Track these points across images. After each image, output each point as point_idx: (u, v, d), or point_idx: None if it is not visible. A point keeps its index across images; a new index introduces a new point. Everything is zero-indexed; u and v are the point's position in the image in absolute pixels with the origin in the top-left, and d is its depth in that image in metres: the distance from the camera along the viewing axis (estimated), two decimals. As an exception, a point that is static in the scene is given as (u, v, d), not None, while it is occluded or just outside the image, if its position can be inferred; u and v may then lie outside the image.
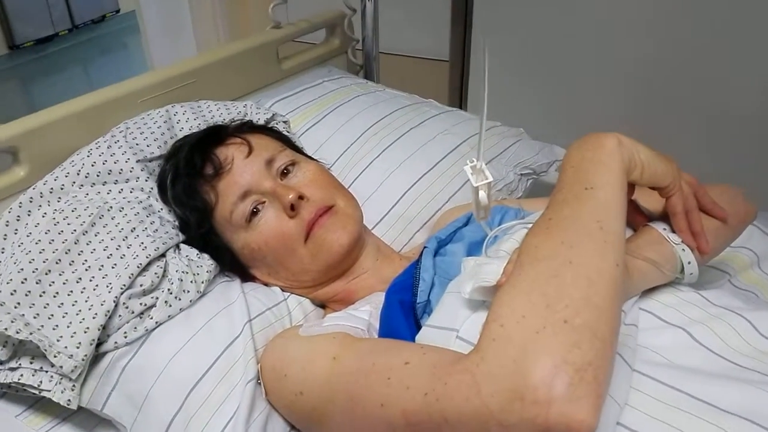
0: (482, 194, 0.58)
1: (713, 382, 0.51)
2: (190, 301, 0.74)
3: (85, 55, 3.90)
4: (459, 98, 1.65)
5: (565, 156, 0.59)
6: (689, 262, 0.62)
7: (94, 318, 0.68)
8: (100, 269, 0.73)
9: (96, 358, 0.70)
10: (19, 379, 0.68)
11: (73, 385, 0.68)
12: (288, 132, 1.01)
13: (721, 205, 0.66)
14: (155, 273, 0.75)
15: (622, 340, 0.52)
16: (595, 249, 0.49)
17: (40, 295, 0.70)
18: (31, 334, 0.67)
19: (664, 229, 0.63)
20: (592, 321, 0.45)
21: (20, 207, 0.81)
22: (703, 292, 0.62)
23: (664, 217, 0.64)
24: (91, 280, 0.72)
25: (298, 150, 0.92)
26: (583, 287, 0.46)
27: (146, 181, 0.86)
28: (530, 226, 0.55)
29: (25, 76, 3.63)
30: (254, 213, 0.77)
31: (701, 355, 0.55)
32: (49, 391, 0.68)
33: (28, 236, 0.77)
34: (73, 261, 0.74)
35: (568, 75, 1.54)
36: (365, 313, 0.70)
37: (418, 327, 0.63)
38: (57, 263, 0.73)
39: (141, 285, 0.73)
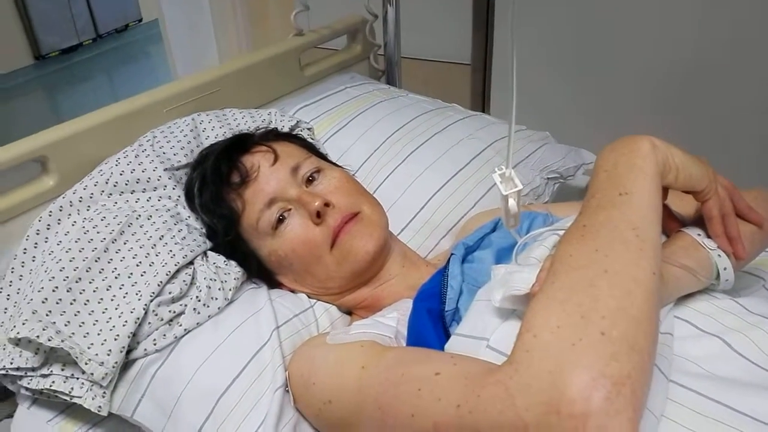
0: (512, 202, 0.57)
1: (752, 393, 0.50)
2: (218, 308, 0.74)
3: (109, 64, 3.96)
4: (482, 102, 1.64)
5: (597, 159, 0.57)
6: (725, 268, 0.60)
7: (124, 325, 0.69)
8: (129, 277, 0.74)
9: (126, 365, 0.70)
10: (50, 386, 0.69)
11: (104, 392, 0.68)
12: (312, 139, 1.02)
13: (756, 209, 0.64)
14: (183, 280, 0.75)
15: (658, 349, 0.51)
16: (631, 258, 0.48)
17: (71, 303, 0.71)
18: (62, 341, 0.67)
19: (699, 234, 0.62)
20: (629, 333, 0.44)
21: (50, 216, 0.82)
22: (740, 299, 0.61)
23: (697, 221, 0.63)
24: (120, 288, 0.73)
25: (323, 157, 0.92)
26: (619, 297, 0.45)
27: (173, 189, 0.87)
28: (560, 233, 0.54)
29: (51, 85, 3.69)
30: (280, 220, 0.77)
31: (739, 365, 0.53)
32: (80, 397, 0.68)
33: (58, 245, 0.78)
34: (102, 269, 0.74)
35: (594, 77, 1.52)
36: (392, 320, 0.69)
37: (447, 335, 0.63)
38: (87, 271, 0.73)
39: (170, 292, 0.74)
